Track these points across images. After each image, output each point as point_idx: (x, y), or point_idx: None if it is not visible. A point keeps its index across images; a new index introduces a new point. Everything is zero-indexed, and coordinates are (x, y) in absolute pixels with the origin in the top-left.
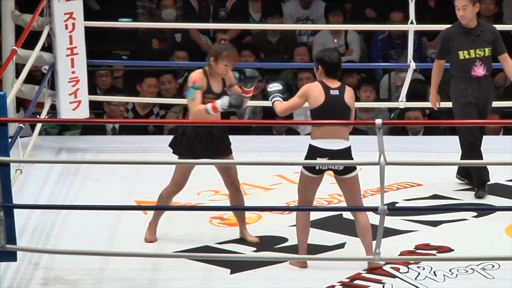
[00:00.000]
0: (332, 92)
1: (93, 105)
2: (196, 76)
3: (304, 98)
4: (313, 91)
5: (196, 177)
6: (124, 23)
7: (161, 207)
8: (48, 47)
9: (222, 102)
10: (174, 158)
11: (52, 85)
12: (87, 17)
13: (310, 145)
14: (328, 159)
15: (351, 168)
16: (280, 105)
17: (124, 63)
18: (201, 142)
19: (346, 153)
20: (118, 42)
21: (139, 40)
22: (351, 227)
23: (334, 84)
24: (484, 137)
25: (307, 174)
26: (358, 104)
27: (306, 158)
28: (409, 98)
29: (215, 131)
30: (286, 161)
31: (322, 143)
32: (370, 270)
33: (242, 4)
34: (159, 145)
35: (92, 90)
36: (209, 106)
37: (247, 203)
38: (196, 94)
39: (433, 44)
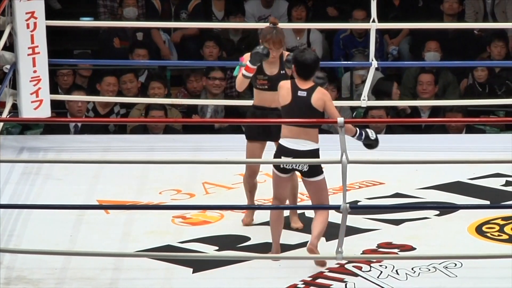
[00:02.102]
0: (300, 93)
1: (54, 105)
2: (247, 55)
3: (277, 94)
4: (282, 90)
5: (158, 176)
6: (86, 22)
7: (121, 206)
8: (10, 46)
9: (250, 58)
10: (135, 157)
11: (14, 85)
12: (48, 16)
13: (278, 143)
14: (289, 157)
15: (317, 172)
16: None
17: (85, 62)
18: (256, 126)
19: (311, 155)
20: (79, 41)
21: (100, 39)
22: None
23: (305, 85)
24: (447, 135)
25: (275, 172)
26: None
27: (274, 156)
28: (374, 96)
29: (270, 115)
30: (248, 160)
31: (288, 142)
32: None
33: (205, 3)
34: (121, 144)
35: (53, 89)
36: (242, 70)
37: (209, 202)
38: (239, 71)
39: (394, 42)
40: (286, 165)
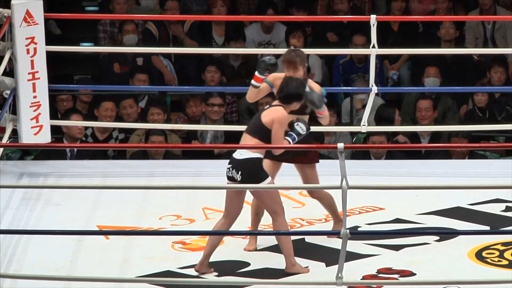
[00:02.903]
0: (266, 106)
1: (54, 130)
2: (274, 74)
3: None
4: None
5: (158, 201)
6: (86, 48)
7: (121, 231)
8: (10, 72)
9: (258, 67)
10: (135, 182)
11: (14, 110)
12: (48, 42)
13: None
14: (229, 166)
15: (254, 180)
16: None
17: (85, 87)
18: None
19: (245, 163)
20: (79, 67)
21: (100, 64)
22: (314, 251)
23: (277, 103)
24: (447, 161)
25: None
26: (320, 128)
27: None
28: (376, 122)
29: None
30: (247, 186)
31: (236, 151)
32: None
33: (205, 29)
34: (121, 170)
35: (53, 114)
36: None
37: (209, 228)
38: (261, 85)
39: (394, 67)
40: (227, 172)
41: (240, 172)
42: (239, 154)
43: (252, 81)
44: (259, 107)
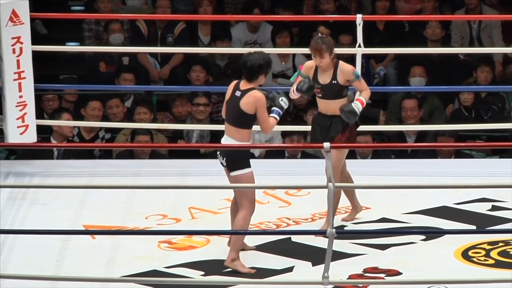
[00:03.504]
0: (237, 93)
1: (40, 129)
2: (306, 64)
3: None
4: (229, 87)
5: (144, 201)
6: (72, 47)
7: (107, 231)
8: None
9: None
10: (121, 182)
11: (0, 110)
12: (34, 41)
13: None
14: (218, 152)
15: (236, 166)
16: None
17: (71, 87)
18: (317, 131)
19: (231, 151)
20: (65, 66)
21: (86, 63)
22: (300, 250)
23: (245, 86)
24: (433, 160)
25: None
26: (305, 128)
27: None
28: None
29: (325, 122)
30: (234, 185)
31: (223, 138)
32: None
33: (191, 28)
34: (107, 169)
35: (39, 114)
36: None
37: (195, 227)
38: (296, 78)
39: (380, 65)
40: (218, 158)
41: (225, 158)
42: (224, 141)
43: (290, 92)
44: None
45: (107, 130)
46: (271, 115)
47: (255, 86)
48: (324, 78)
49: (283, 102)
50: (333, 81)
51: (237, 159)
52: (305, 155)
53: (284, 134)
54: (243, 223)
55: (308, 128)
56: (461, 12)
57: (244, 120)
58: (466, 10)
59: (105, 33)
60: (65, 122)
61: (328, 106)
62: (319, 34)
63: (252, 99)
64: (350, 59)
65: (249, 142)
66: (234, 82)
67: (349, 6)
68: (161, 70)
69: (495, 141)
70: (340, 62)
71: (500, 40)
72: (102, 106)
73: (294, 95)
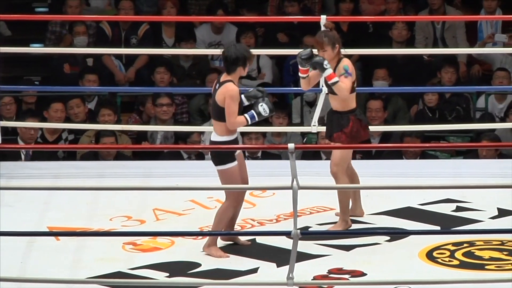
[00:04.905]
0: (217, 85)
1: (4, 131)
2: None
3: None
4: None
5: (109, 202)
6: (36, 49)
7: (71, 233)
8: None
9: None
10: (85, 183)
11: None
12: None
13: None
14: None
15: (218, 162)
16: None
17: (34, 88)
18: (326, 124)
19: (212, 144)
20: (30, 68)
21: (50, 65)
22: (265, 251)
23: (224, 78)
24: (398, 161)
25: None
26: (271, 129)
27: None
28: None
29: (330, 116)
30: (199, 186)
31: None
32: None
33: (155, 30)
34: (71, 171)
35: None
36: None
37: (159, 229)
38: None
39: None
40: None
41: (209, 153)
42: (212, 135)
43: (299, 73)
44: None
45: (70, 131)
46: (244, 114)
47: (233, 78)
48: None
49: (262, 108)
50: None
51: (218, 155)
52: (266, 155)
53: (242, 134)
54: (221, 215)
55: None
56: (425, 13)
57: (220, 113)
58: (429, 10)
59: (68, 35)
60: (28, 124)
61: (332, 101)
62: (324, 28)
63: (223, 90)
64: None
65: (230, 136)
66: (219, 75)
67: (313, 7)
68: (127, 72)
69: (460, 142)
70: (344, 58)
71: (464, 40)
72: (64, 108)
73: (302, 73)
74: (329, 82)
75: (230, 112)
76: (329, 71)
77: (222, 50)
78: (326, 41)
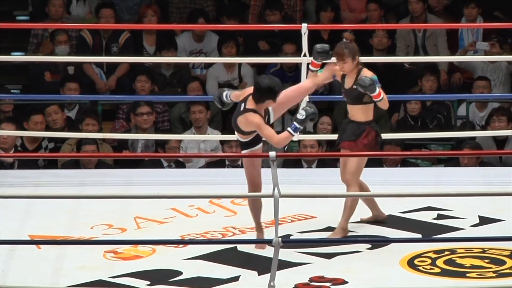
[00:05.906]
0: (241, 106)
1: None
2: (336, 66)
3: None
4: (245, 91)
5: (89, 211)
6: (17, 57)
7: (52, 241)
8: None
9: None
10: (66, 192)
11: None
12: None
13: None
14: None
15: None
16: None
17: (13, 97)
18: (339, 132)
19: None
20: (9, 76)
21: (31, 73)
22: (246, 259)
23: (250, 104)
24: (380, 169)
25: None
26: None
27: None
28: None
29: (344, 125)
30: (180, 194)
31: None
32: None
33: (136, 38)
34: (52, 179)
35: None
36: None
37: (140, 237)
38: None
39: None
40: None
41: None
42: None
43: (310, 66)
44: (191, 116)
45: (51, 139)
46: (287, 129)
47: (259, 109)
48: (348, 83)
49: (299, 114)
50: (354, 86)
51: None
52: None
53: (222, 142)
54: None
55: None
56: (406, 21)
57: (239, 129)
58: (411, 18)
59: (51, 44)
60: (9, 132)
61: (350, 110)
62: (344, 40)
63: (243, 120)
64: (295, 69)
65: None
66: (248, 93)
67: (294, 15)
68: (108, 80)
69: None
70: (364, 69)
71: (445, 48)
72: (44, 119)
73: (313, 66)
74: (377, 100)
75: (268, 136)
76: (378, 90)
77: (256, 81)
78: (347, 53)
